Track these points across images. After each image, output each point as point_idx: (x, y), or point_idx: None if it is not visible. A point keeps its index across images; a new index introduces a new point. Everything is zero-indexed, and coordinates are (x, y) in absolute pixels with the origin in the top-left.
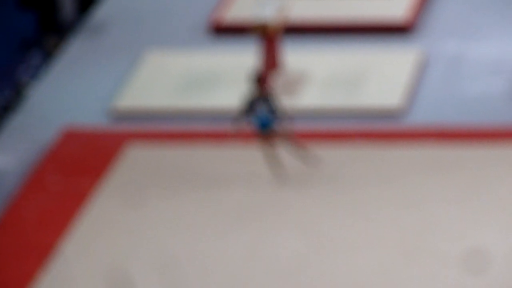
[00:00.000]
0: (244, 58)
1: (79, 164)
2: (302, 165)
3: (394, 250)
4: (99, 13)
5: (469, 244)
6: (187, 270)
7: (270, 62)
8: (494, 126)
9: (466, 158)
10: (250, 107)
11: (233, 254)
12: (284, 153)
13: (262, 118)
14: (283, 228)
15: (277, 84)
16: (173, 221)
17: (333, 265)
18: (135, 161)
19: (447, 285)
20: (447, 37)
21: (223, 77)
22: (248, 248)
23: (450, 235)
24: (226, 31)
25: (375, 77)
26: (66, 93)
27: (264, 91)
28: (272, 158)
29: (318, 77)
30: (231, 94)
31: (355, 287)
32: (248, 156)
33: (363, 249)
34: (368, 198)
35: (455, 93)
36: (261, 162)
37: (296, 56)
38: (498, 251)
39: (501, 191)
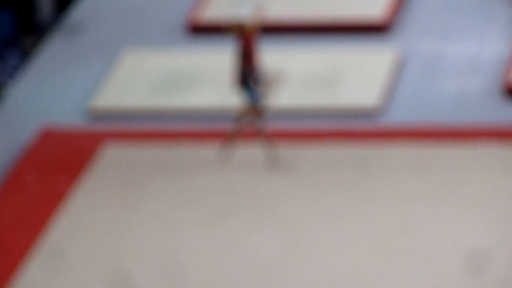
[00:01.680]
0: (221, 57)
1: (57, 163)
2: (269, 163)
3: (371, 250)
4: (77, 13)
5: (446, 244)
6: (163, 267)
7: (244, 61)
8: (471, 125)
9: (444, 158)
10: (244, 80)
11: (209, 254)
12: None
13: (254, 92)
14: (260, 226)
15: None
16: (151, 220)
17: (310, 265)
18: (112, 160)
19: (424, 285)
20: (424, 36)
21: (200, 77)
22: (224, 247)
23: (428, 235)
24: (203, 30)
25: (352, 76)
26: (44, 93)
27: (251, 67)
28: (264, 137)
29: (295, 77)
30: (208, 94)
31: (332, 287)
32: (228, 155)
33: (340, 249)
34: (345, 198)
35: (433, 92)
36: (240, 161)
37: (273, 56)
38: (476, 250)
39: (478, 190)
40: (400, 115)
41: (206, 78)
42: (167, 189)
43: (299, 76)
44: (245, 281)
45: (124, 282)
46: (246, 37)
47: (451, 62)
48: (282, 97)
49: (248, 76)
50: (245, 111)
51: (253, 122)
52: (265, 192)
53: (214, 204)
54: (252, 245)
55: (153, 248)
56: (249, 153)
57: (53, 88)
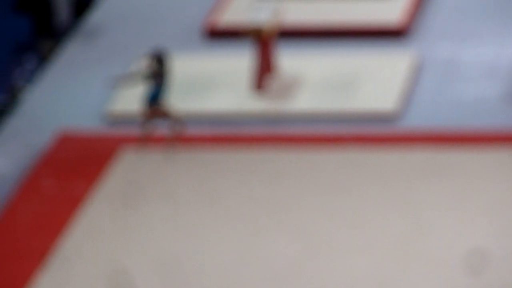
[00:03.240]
0: (239, 62)
1: (74, 168)
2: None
3: (389, 254)
4: (94, 17)
5: (465, 249)
6: (184, 272)
7: (265, 66)
8: (489, 130)
9: (461, 162)
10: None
11: (228, 257)
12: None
13: (153, 92)
14: (277, 231)
15: (272, 87)
16: (169, 224)
17: (328, 269)
18: (130, 165)
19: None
20: (442, 41)
21: (217, 81)
22: (242, 250)
23: (446, 240)
24: (220, 35)
25: (370, 80)
26: (61, 97)
27: (161, 70)
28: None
29: (312, 81)
30: (226, 98)
31: None
32: (245, 159)
33: (357, 253)
34: (363, 202)
35: (450, 97)
36: (257, 164)
37: (290, 60)
38: (494, 256)
39: (496, 195)
40: (417, 119)
41: (223, 83)
42: (184, 193)
43: (316, 80)
44: (262, 286)
45: (140, 287)
46: (263, 40)
47: (468, 66)
48: (300, 101)
49: (151, 78)
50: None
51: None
52: (282, 196)
53: (230, 209)
54: (269, 250)
55: (170, 252)
56: (264, 157)
57: (71, 92)
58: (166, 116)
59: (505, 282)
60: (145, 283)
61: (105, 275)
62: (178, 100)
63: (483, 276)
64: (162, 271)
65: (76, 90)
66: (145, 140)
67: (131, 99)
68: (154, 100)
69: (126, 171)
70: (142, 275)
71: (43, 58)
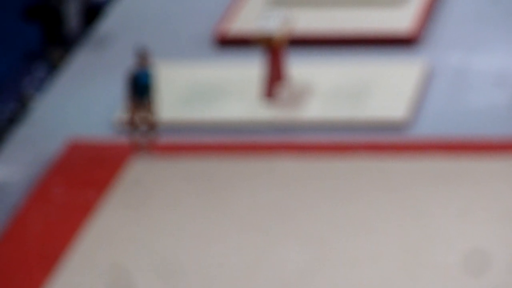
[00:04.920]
0: (249, 70)
1: (84, 175)
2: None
3: (398, 263)
4: (104, 26)
5: (472, 257)
6: (191, 280)
7: (275, 74)
8: (498, 138)
9: (471, 170)
10: (136, 83)
11: (237, 265)
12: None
13: (141, 82)
14: (287, 239)
15: (282, 96)
16: (178, 232)
17: (336, 277)
18: (140, 172)
19: None
20: (451, 49)
21: (227, 89)
22: (251, 258)
23: (454, 248)
24: (230, 43)
25: (380, 89)
26: (71, 105)
27: (145, 64)
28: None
29: (323, 89)
30: (236, 106)
31: None
32: (255, 167)
33: (367, 261)
34: (373, 210)
35: (460, 105)
36: (267, 172)
37: (301, 68)
38: (503, 264)
39: (506, 203)
40: (428, 128)
41: (233, 91)
42: (194, 201)
43: (327, 88)
44: None
45: None
46: (274, 48)
47: (478, 75)
48: (310, 109)
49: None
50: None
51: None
52: (291, 203)
53: (240, 216)
54: (278, 257)
55: (179, 260)
56: (275, 165)
57: (81, 100)
58: (145, 110)
59: None
60: None
61: (114, 282)
62: (188, 108)
63: (492, 283)
64: (171, 278)
65: (86, 98)
66: (142, 147)
67: None
68: (139, 96)
69: (136, 178)
70: (150, 282)
71: (53, 67)
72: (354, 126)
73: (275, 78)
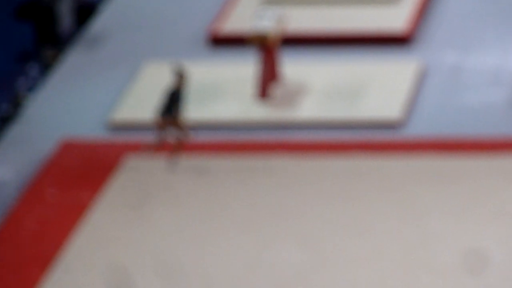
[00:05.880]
0: (243, 69)
1: (78, 175)
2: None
3: (396, 262)
4: (97, 25)
5: (470, 257)
6: (188, 280)
7: (269, 74)
8: (493, 137)
9: (466, 169)
10: (171, 99)
11: (233, 265)
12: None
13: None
14: (284, 239)
15: (275, 95)
16: (173, 231)
17: (333, 277)
18: (133, 172)
19: None
20: (446, 48)
21: (221, 89)
22: (248, 258)
23: (451, 248)
24: (224, 42)
25: (375, 88)
26: (64, 105)
27: (181, 84)
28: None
29: (317, 88)
30: (230, 106)
31: None
32: (249, 167)
33: (363, 261)
34: (369, 210)
35: (455, 104)
36: (262, 172)
37: (295, 67)
38: (499, 263)
39: (501, 203)
40: (423, 127)
41: (228, 90)
42: (188, 201)
43: (321, 87)
44: None
45: None
46: (268, 48)
47: (473, 73)
48: (304, 109)
49: (175, 95)
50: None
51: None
52: (287, 203)
53: (236, 216)
54: (276, 258)
55: (174, 260)
56: (270, 165)
57: (74, 100)
58: (175, 126)
59: None
60: None
61: (108, 282)
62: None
63: (489, 283)
64: (166, 278)
65: (79, 97)
66: (155, 148)
67: (134, 107)
68: (169, 112)
69: (130, 178)
70: (145, 282)
71: (46, 66)
72: (348, 125)
73: (269, 77)
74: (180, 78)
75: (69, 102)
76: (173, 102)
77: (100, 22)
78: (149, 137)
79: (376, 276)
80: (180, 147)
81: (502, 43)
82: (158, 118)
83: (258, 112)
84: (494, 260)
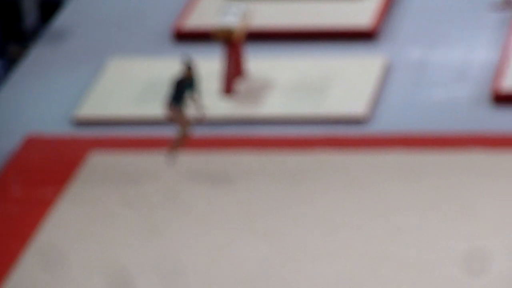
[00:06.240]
0: (208, 65)
1: (42, 171)
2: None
3: (360, 257)
4: (61, 20)
5: (434, 251)
6: (155, 273)
7: (234, 69)
8: (459, 133)
9: (431, 165)
10: (178, 89)
11: (197, 261)
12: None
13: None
14: (248, 234)
15: (240, 90)
16: (136, 226)
17: (299, 272)
18: (97, 168)
19: None
20: (411, 44)
21: None
22: (212, 255)
23: (416, 242)
24: (189, 38)
25: (340, 83)
26: (29, 101)
27: (189, 76)
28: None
29: (282, 84)
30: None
31: None
32: (211, 163)
33: (329, 255)
34: (333, 205)
35: (420, 100)
36: (227, 167)
37: (260, 63)
38: (465, 258)
39: (465, 198)
40: (388, 122)
41: None
42: (151, 196)
43: (287, 83)
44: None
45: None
46: (233, 44)
47: (439, 69)
48: (269, 104)
49: (182, 85)
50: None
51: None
52: (252, 198)
53: (201, 213)
54: (241, 254)
55: (139, 257)
56: (234, 160)
57: (38, 96)
58: (179, 120)
59: (481, 284)
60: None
61: (70, 282)
62: (146, 103)
63: (452, 276)
64: (121, 276)
65: (43, 93)
66: (180, 144)
67: (99, 102)
68: (176, 102)
69: (94, 175)
70: (105, 282)
71: (11, 62)
72: (314, 120)
73: (234, 73)
74: (188, 70)
75: (34, 98)
76: (179, 92)
77: (65, 18)
78: (114, 133)
79: (342, 270)
80: (180, 143)
81: (467, 38)
82: (167, 108)
83: (223, 107)
84: (459, 255)
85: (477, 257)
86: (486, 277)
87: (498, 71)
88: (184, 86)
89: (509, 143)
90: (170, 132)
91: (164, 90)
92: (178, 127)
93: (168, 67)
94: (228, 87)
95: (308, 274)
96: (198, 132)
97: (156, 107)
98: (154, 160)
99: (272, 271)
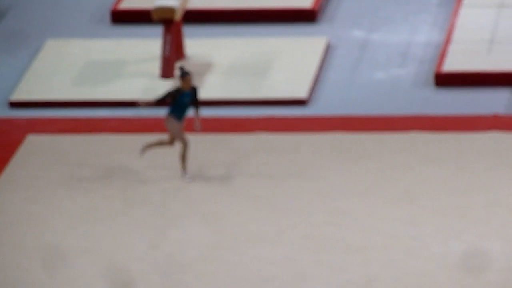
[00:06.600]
0: (146, 46)
1: None
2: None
3: (302, 240)
4: None
5: (378, 235)
6: (87, 259)
7: (174, 51)
8: (400, 114)
9: (373, 146)
10: (169, 97)
11: (136, 244)
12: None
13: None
14: (188, 218)
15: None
16: (71, 210)
17: (241, 256)
18: (34, 151)
19: (353, 276)
20: (353, 25)
21: (123, 66)
22: (151, 238)
23: (358, 226)
24: (126, 19)
25: (282, 65)
26: None
27: (188, 84)
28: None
29: (223, 66)
30: (132, 83)
31: (259, 278)
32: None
33: (270, 239)
34: (274, 187)
35: (362, 81)
36: (164, 151)
37: (200, 45)
38: (406, 241)
39: (407, 180)
40: (330, 104)
41: (130, 69)
42: (90, 179)
43: (227, 65)
44: (173, 275)
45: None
46: (172, 25)
47: (381, 50)
48: (210, 87)
49: (176, 94)
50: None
51: None
52: (193, 182)
53: (139, 196)
54: (181, 237)
55: (79, 240)
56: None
57: None
58: (176, 134)
59: (424, 268)
60: (34, 276)
61: (7, 261)
62: (83, 85)
63: (394, 258)
64: (54, 260)
65: None
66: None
67: (35, 85)
68: (170, 113)
69: (31, 158)
70: (29, 267)
71: None
72: (255, 102)
73: (173, 55)
74: (185, 78)
75: None
76: (178, 103)
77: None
78: (51, 115)
79: (285, 254)
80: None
81: (410, 19)
82: (168, 121)
83: (162, 90)
84: (402, 238)
85: (419, 241)
86: (429, 260)
87: (441, 53)
88: (183, 96)
89: (450, 124)
90: (106, 113)
91: (102, 72)
92: (179, 142)
93: (105, 49)
94: (169, 72)
95: (251, 258)
96: (137, 114)
97: (94, 90)
98: (91, 142)
99: (214, 254)
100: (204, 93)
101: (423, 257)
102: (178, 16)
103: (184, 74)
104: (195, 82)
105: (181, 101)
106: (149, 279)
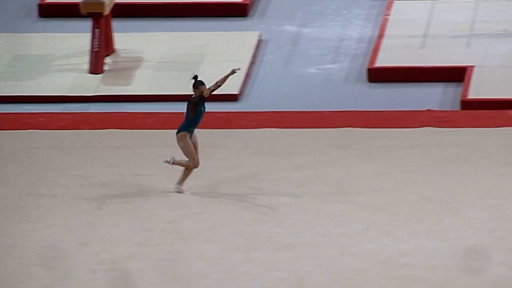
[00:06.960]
0: (74, 40)
1: None
2: None
3: (231, 237)
4: None
5: (309, 232)
6: (23, 256)
7: (103, 46)
8: (332, 109)
9: (304, 142)
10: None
11: (70, 238)
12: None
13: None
14: (118, 215)
15: (109, 68)
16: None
17: (171, 253)
18: None
19: (284, 273)
20: (286, 20)
21: (51, 61)
22: (81, 237)
23: (290, 222)
24: (54, 13)
25: (213, 60)
26: None
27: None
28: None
29: (153, 61)
30: (60, 78)
31: (190, 276)
32: (83, 141)
33: (200, 237)
34: (204, 185)
35: (294, 76)
36: (95, 147)
37: (130, 39)
38: (337, 238)
39: (338, 176)
40: (262, 99)
41: (59, 64)
42: (19, 175)
43: (158, 60)
44: (101, 269)
45: None
46: (101, 19)
47: (314, 46)
48: (139, 82)
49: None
50: None
51: None
52: (123, 177)
53: (73, 192)
54: (111, 234)
55: (13, 233)
56: (105, 139)
57: None
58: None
59: (358, 265)
60: None
61: None
62: (11, 82)
63: (328, 256)
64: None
65: None
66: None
67: None
68: (181, 129)
69: None
70: None
71: None
72: (186, 98)
73: (103, 50)
74: (195, 89)
75: None
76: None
77: None
78: None
79: (214, 251)
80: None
81: (343, 15)
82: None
83: (91, 86)
84: (334, 235)
85: (351, 238)
86: (361, 258)
87: (373, 48)
88: (200, 106)
89: (383, 120)
90: (31, 109)
91: (30, 67)
92: (190, 159)
93: (32, 43)
94: (98, 67)
95: (181, 255)
96: (66, 110)
97: (20, 84)
98: (17, 138)
99: (146, 251)
100: (133, 89)
101: (355, 254)
102: (107, 10)
103: (199, 84)
104: (124, 77)
105: (200, 109)
106: (77, 277)
